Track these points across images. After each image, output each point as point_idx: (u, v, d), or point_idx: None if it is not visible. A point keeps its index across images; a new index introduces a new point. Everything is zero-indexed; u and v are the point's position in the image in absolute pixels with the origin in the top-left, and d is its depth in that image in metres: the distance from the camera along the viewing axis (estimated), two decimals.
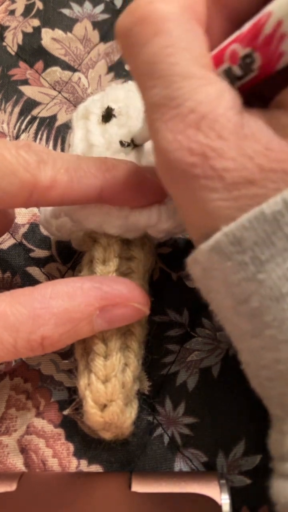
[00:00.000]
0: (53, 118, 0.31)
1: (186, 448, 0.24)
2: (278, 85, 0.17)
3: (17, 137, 0.31)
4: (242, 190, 0.15)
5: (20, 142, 0.21)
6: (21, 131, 0.31)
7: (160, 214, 0.22)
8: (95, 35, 0.33)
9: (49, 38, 0.33)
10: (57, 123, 0.31)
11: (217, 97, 0.15)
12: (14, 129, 0.31)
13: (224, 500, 0.21)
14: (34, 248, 0.28)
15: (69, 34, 0.33)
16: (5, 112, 0.32)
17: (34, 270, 0.28)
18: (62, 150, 0.30)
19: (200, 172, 0.16)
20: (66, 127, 0.31)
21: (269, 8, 0.15)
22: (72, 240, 0.26)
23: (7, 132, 0.31)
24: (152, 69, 0.16)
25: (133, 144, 0.25)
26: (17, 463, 0.24)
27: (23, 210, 0.29)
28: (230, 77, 0.17)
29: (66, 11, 0.34)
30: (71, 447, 0.24)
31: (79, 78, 0.32)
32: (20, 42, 0.33)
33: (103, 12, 0.34)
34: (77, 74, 0.32)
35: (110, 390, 0.21)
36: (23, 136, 0.31)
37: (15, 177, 0.19)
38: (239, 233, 0.15)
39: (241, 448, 0.23)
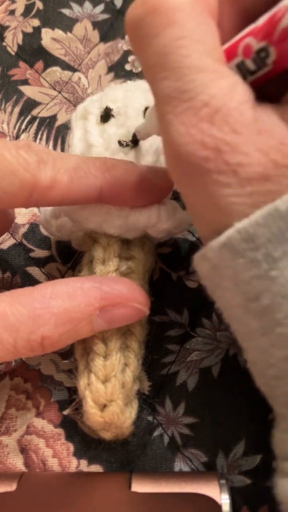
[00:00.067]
0: (53, 118, 0.31)
1: (186, 448, 0.24)
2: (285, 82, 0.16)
3: (17, 137, 0.31)
4: (256, 185, 0.15)
5: (20, 142, 0.21)
6: (21, 131, 0.31)
7: (160, 214, 0.22)
8: (95, 35, 0.33)
9: (49, 38, 0.33)
10: (57, 123, 0.31)
11: (230, 91, 0.15)
12: (14, 129, 0.31)
13: (224, 500, 0.21)
14: (34, 248, 0.28)
15: (69, 34, 0.33)
16: (5, 112, 0.32)
17: (34, 270, 0.28)
18: (62, 150, 0.30)
19: (213, 166, 0.15)
20: (66, 127, 0.31)
21: (286, 1, 0.15)
22: (72, 240, 0.26)
23: (7, 132, 0.31)
24: (163, 60, 0.16)
25: (132, 143, 0.24)
26: (17, 463, 0.24)
27: (23, 210, 0.29)
28: (243, 71, 0.17)
29: (66, 11, 0.34)
30: (71, 447, 0.24)
31: (79, 78, 0.32)
32: (20, 42, 0.33)
33: (103, 12, 0.34)
34: (77, 74, 0.32)
35: (110, 390, 0.21)
36: (23, 136, 0.31)
37: (15, 177, 0.19)
38: (253, 230, 0.15)
39: (241, 448, 0.23)
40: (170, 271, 0.27)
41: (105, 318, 0.21)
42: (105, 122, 0.25)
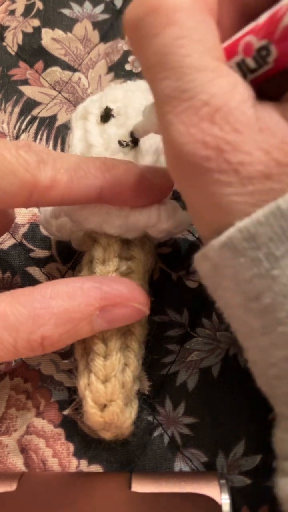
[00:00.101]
0: (53, 118, 0.31)
1: (186, 448, 0.24)
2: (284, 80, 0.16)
3: (17, 137, 0.31)
4: (258, 184, 0.15)
5: (20, 142, 0.21)
6: (21, 131, 0.31)
7: (160, 214, 0.22)
8: (95, 35, 0.33)
9: (49, 38, 0.33)
10: (57, 123, 0.31)
11: (230, 89, 0.15)
12: (14, 129, 0.31)
13: (224, 500, 0.21)
14: (34, 248, 0.28)
15: (69, 34, 0.33)
16: (5, 112, 0.32)
17: (34, 270, 0.28)
18: (62, 150, 0.30)
19: (214, 165, 0.15)
20: (66, 127, 0.31)
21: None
22: (72, 240, 0.26)
23: (7, 132, 0.31)
24: (163, 60, 0.16)
25: (132, 143, 0.24)
26: (17, 463, 0.24)
27: (23, 210, 0.29)
28: (243, 69, 0.17)
29: (66, 11, 0.34)
30: (71, 447, 0.24)
31: (79, 78, 0.32)
32: (20, 42, 0.33)
33: (103, 12, 0.34)
34: (77, 74, 0.32)
35: (110, 390, 0.21)
36: (23, 136, 0.31)
37: (15, 177, 0.19)
38: (254, 229, 0.15)
39: (241, 448, 0.23)
40: (170, 271, 0.27)
41: (105, 318, 0.21)
42: (105, 122, 0.25)
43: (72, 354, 0.25)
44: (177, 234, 0.25)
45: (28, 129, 0.31)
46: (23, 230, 0.28)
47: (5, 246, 0.28)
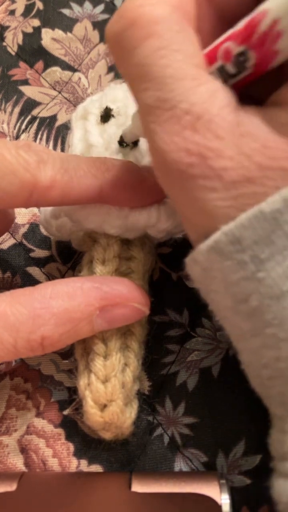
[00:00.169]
0: (53, 118, 0.31)
1: (186, 448, 0.24)
2: (272, 83, 0.17)
3: (17, 137, 0.31)
4: (241, 188, 0.15)
5: (20, 142, 0.21)
6: (21, 131, 0.31)
7: (160, 214, 0.22)
8: (95, 35, 0.33)
9: (49, 38, 0.33)
10: (57, 123, 0.31)
11: (210, 96, 0.16)
12: (14, 129, 0.31)
13: (224, 500, 0.21)
14: (34, 248, 0.28)
15: (69, 34, 0.33)
16: (5, 112, 0.32)
17: (34, 270, 0.28)
18: (62, 150, 0.30)
19: (198, 172, 0.16)
20: (66, 127, 0.31)
21: (265, 6, 0.15)
22: (72, 240, 0.26)
23: (7, 132, 0.31)
24: (144, 71, 0.16)
25: (132, 144, 0.24)
26: (17, 463, 0.24)
27: (23, 210, 0.29)
28: (224, 75, 0.17)
29: (66, 11, 0.34)
30: (71, 447, 0.24)
31: (79, 78, 0.32)
32: (20, 42, 0.33)
33: (103, 12, 0.34)
34: (77, 74, 0.32)
35: (110, 390, 0.21)
36: (23, 136, 0.31)
37: (15, 177, 0.19)
38: (239, 232, 0.15)
39: (241, 448, 0.23)
40: (170, 271, 0.27)
41: (105, 318, 0.21)
42: (105, 122, 0.25)
43: (72, 354, 0.25)
44: (177, 234, 0.25)
45: (28, 129, 0.31)
46: (23, 230, 0.28)
47: (5, 246, 0.28)
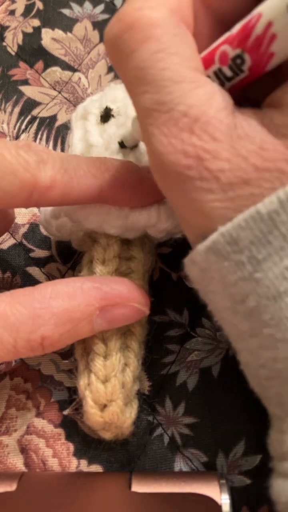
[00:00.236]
0: (53, 118, 0.31)
1: (186, 448, 0.24)
2: (269, 85, 0.17)
3: (17, 137, 0.31)
4: (238, 190, 0.15)
5: (20, 142, 0.21)
6: (21, 131, 0.31)
7: (160, 214, 0.22)
8: (95, 35, 0.33)
9: (49, 38, 0.33)
10: (57, 123, 0.31)
11: (207, 99, 0.16)
12: (14, 129, 0.31)
13: (224, 500, 0.21)
14: (34, 248, 0.28)
15: (69, 34, 0.33)
16: (5, 112, 0.32)
17: (34, 270, 0.28)
18: (62, 150, 0.30)
19: (196, 174, 0.16)
20: (66, 127, 0.31)
21: (259, 9, 0.15)
22: (72, 240, 0.26)
23: (7, 132, 0.31)
24: (142, 75, 0.16)
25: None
26: (17, 463, 0.24)
27: (23, 210, 0.29)
28: (221, 78, 0.17)
29: (66, 11, 0.34)
30: (71, 447, 0.24)
31: (79, 78, 0.32)
32: (20, 42, 0.33)
33: (103, 12, 0.34)
34: (77, 74, 0.32)
35: (110, 390, 0.21)
36: (23, 136, 0.31)
37: (15, 177, 0.19)
38: (236, 233, 0.15)
39: (241, 448, 0.23)
40: (170, 271, 0.27)
41: (105, 318, 0.21)
42: (105, 122, 0.25)
43: (72, 354, 0.25)
44: (177, 234, 0.25)
45: (28, 129, 0.31)
46: (23, 230, 0.28)
47: (5, 246, 0.28)
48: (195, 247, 0.17)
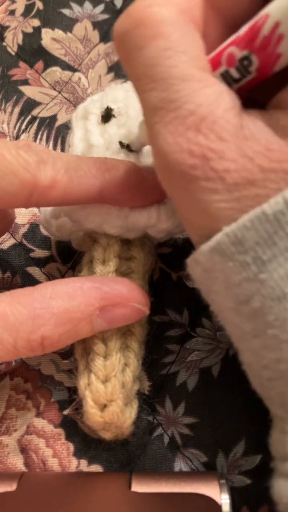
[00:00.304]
0: (53, 118, 0.31)
1: (186, 448, 0.24)
2: (276, 86, 0.17)
3: (17, 137, 0.31)
4: (243, 190, 0.15)
5: (20, 142, 0.21)
6: (21, 131, 0.31)
7: (160, 214, 0.22)
8: (95, 35, 0.33)
9: (49, 38, 0.33)
10: (57, 123, 0.31)
11: (215, 99, 0.16)
12: (14, 129, 0.31)
13: (224, 500, 0.21)
14: (34, 248, 0.28)
15: (69, 34, 0.33)
16: (5, 112, 0.32)
17: (34, 270, 0.28)
18: (62, 150, 0.30)
19: (201, 173, 0.16)
20: (66, 127, 0.31)
21: (266, 10, 0.15)
22: (72, 240, 0.26)
23: (7, 132, 0.31)
24: (150, 72, 0.16)
25: (128, 145, 0.25)
26: (17, 463, 0.24)
27: (23, 210, 0.29)
28: (228, 80, 0.17)
29: (66, 11, 0.34)
30: (71, 447, 0.24)
31: (79, 78, 0.32)
32: (20, 42, 0.33)
33: (103, 12, 0.34)
34: (77, 74, 0.32)
35: (110, 390, 0.21)
36: (23, 136, 0.31)
37: (15, 177, 0.19)
38: (241, 234, 0.15)
39: (241, 448, 0.23)
40: (170, 271, 0.27)
41: (105, 318, 0.21)
42: (106, 122, 0.25)
43: (72, 354, 0.25)
44: (177, 234, 0.25)
45: (28, 129, 0.31)
46: (23, 230, 0.28)
47: (5, 246, 0.28)
48: (198, 247, 0.17)
